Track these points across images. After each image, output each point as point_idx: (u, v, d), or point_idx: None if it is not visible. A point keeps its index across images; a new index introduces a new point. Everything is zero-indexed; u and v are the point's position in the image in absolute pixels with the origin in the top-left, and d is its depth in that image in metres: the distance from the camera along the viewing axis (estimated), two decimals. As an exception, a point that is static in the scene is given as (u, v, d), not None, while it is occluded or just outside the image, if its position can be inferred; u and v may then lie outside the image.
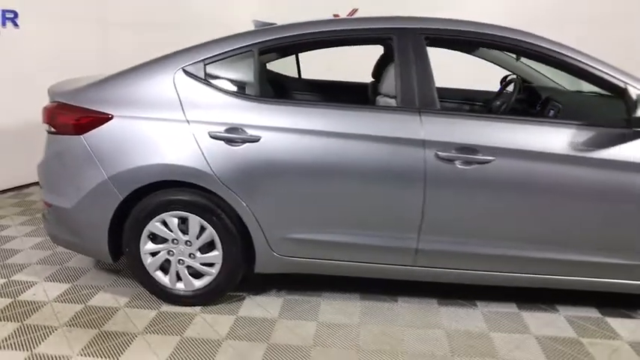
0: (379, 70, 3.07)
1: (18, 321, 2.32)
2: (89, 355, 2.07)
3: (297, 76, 3.63)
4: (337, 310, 2.46)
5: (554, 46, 2.24)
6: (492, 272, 2.31)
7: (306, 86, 3.51)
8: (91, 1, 4.74)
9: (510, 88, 3.14)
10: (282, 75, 3.51)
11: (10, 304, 2.46)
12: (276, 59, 3.44)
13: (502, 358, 2.10)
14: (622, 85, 2.15)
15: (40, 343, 2.15)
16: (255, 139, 2.22)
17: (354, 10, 6.20)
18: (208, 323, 2.33)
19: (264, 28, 2.38)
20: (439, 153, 2.15)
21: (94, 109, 2.31)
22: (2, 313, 2.37)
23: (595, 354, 2.14)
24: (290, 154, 2.21)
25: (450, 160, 2.14)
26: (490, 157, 2.13)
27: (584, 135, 2.14)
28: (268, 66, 3.34)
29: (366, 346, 2.17)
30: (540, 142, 2.14)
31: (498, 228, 2.23)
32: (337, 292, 2.61)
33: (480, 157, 2.13)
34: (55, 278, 2.73)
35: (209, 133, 2.23)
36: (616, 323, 2.39)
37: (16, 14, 4.18)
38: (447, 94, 3.53)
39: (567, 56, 2.21)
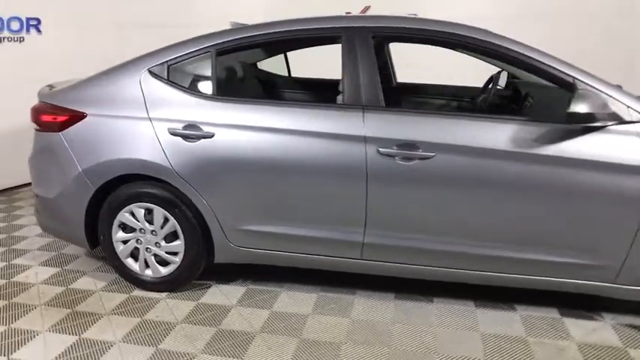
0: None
1: (6, 299, 2.60)
2: (56, 332, 2.31)
3: (293, 74, 3.77)
4: (294, 301, 2.57)
5: (505, 42, 2.24)
6: (437, 268, 2.34)
7: (294, 84, 3.63)
8: (108, 6, 5.08)
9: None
10: (272, 74, 3.65)
11: (4, 285, 2.75)
12: (265, 59, 3.60)
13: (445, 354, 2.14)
14: (570, 80, 2.12)
15: (18, 319, 2.42)
16: (210, 136, 2.38)
17: (367, 8, 6.28)
18: (169, 307, 2.52)
19: (221, 30, 2.53)
20: (380, 149, 2.21)
21: (70, 108, 2.56)
22: (-6, 291, 2.68)
23: (537, 353, 2.13)
24: (241, 150, 2.35)
25: (391, 156, 2.20)
26: (430, 153, 2.17)
27: (528, 131, 2.13)
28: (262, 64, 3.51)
29: (307, 335, 2.27)
30: (483, 139, 2.16)
31: (441, 224, 2.26)
32: (298, 284, 2.72)
33: (420, 153, 2.18)
34: (48, 263, 3.02)
35: (168, 130, 2.41)
36: (572, 324, 2.35)
37: (39, 21, 4.58)
38: (434, 90, 3.56)
39: (519, 52, 2.20)
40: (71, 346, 2.21)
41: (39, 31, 4.59)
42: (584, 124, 2.02)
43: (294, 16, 2.60)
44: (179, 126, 2.41)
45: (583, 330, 2.31)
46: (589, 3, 4.89)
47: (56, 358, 2.12)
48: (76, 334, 2.29)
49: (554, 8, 5.01)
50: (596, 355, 2.13)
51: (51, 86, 2.81)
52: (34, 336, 2.27)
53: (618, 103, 2.08)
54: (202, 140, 2.38)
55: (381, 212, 2.29)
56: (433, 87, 3.57)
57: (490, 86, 3.04)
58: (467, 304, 2.50)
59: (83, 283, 2.78)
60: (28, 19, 4.51)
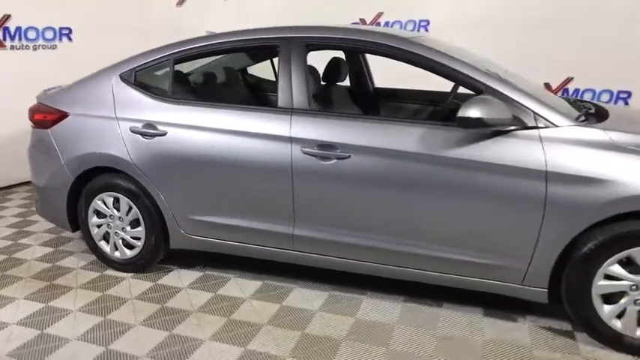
0: (328, 73, 3.37)
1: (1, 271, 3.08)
2: (31, 300, 2.73)
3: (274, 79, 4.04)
4: (240, 287, 2.84)
5: (422, 49, 2.39)
6: (360, 262, 2.52)
7: (247, 87, 3.83)
8: (133, 15, 5.62)
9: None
10: (261, 78, 3.95)
11: (3, 259, 3.24)
12: (255, 64, 3.90)
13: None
14: (481, 86, 2.24)
15: (2, 288, 2.86)
16: (163, 134, 2.71)
17: (379, 15, 6.48)
18: (130, 285, 2.88)
19: (179, 41, 2.86)
20: (303, 149, 2.44)
21: (57, 108, 3.00)
22: (-6, 264, 3.17)
23: (449, 348, 2.26)
24: (188, 147, 2.67)
25: (312, 156, 2.43)
26: (346, 154, 2.37)
27: (436, 134, 2.28)
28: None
29: (238, 316, 2.53)
30: (394, 141, 2.32)
31: (358, 220, 2.45)
32: (248, 272, 2.99)
33: (338, 153, 2.39)
34: (47, 244, 3.50)
35: (130, 128, 2.78)
36: (489, 323, 2.44)
37: (70, 30, 5.19)
38: (409, 95, 3.70)
39: (434, 60, 2.35)
40: (39, 310, 2.62)
41: (70, 39, 5.20)
42: (476, 129, 2.14)
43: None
44: (139, 125, 2.76)
45: (498, 329, 2.39)
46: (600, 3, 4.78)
47: (25, 318, 2.53)
48: (45, 302, 2.70)
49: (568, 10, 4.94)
50: (500, 351, 2.22)
51: (48, 90, 3.27)
52: (11, 302, 2.71)
53: (524, 109, 2.17)
54: (157, 138, 2.73)
55: (305, 207, 2.52)
56: (408, 92, 3.70)
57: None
58: (474, 312, 2.54)
59: (68, 261, 3.22)
60: (60, 29, 5.12)
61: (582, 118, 2.33)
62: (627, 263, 2.11)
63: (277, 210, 2.58)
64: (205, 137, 2.64)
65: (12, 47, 4.77)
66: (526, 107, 2.18)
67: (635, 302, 2.13)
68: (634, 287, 2.11)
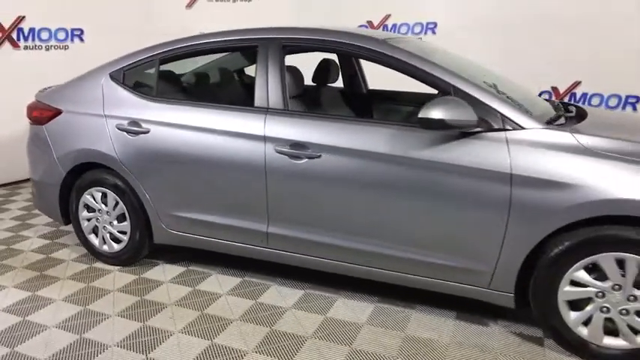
0: (318, 74, 3.42)
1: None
2: (20, 289, 2.86)
3: None
4: (220, 282, 2.91)
5: (392, 51, 2.41)
6: (331, 261, 2.55)
7: (229, 87, 3.88)
8: (143, 17, 5.79)
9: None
10: (210, 77, 3.96)
11: (2, 250, 3.40)
12: (250, 65, 3.97)
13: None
14: (448, 87, 2.25)
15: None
16: (146, 131, 2.80)
17: (387, 17, 6.49)
18: (114, 278, 2.98)
19: (165, 42, 2.94)
20: (277, 148, 2.49)
21: (52, 105, 3.13)
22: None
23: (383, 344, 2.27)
24: (169, 145, 2.75)
25: (285, 155, 2.47)
26: (317, 154, 2.41)
27: (404, 136, 2.29)
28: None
29: (212, 311, 2.59)
30: (363, 141, 2.35)
31: (329, 219, 2.48)
32: (231, 268, 3.05)
33: (309, 152, 2.42)
34: (45, 236, 3.64)
35: (116, 126, 2.88)
36: (459, 326, 2.44)
37: (82, 31, 5.38)
38: (401, 97, 3.70)
39: (404, 61, 2.36)
40: (25, 298, 2.74)
41: (82, 40, 5.39)
42: (438, 130, 2.14)
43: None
44: (125, 122, 2.86)
45: (467, 333, 2.38)
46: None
47: (11, 305, 2.66)
48: (32, 291, 2.82)
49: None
50: (464, 354, 2.22)
51: (46, 88, 3.41)
52: (1, 290, 2.84)
53: (491, 111, 2.17)
54: (140, 135, 2.82)
55: (279, 205, 2.56)
56: (402, 94, 3.70)
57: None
58: (447, 315, 2.53)
59: (61, 253, 3.35)
60: (72, 30, 5.32)
61: (556, 120, 2.30)
62: (593, 269, 2.07)
63: (252, 208, 2.63)
64: (185, 135, 2.71)
65: (26, 47, 4.98)
66: (493, 109, 2.18)
67: (601, 310, 2.09)
68: (600, 294, 2.08)
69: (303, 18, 6.24)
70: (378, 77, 3.78)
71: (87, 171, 3.05)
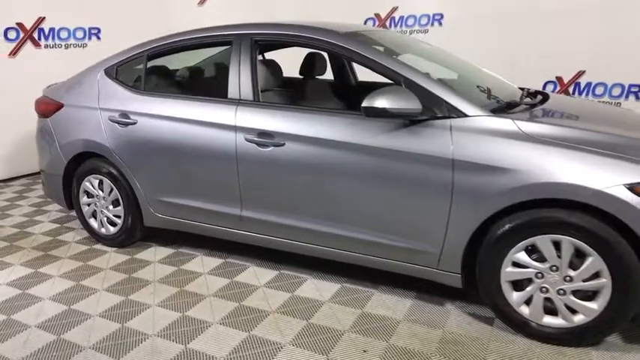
0: (304, 67, 3.60)
1: (8, 242, 3.58)
2: (25, 266, 3.18)
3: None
4: (203, 264, 3.14)
5: (350, 43, 2.55)
6: (296, 242, 2.73)
7: (285, 82, 4.11)
8: (157, 14, 6.10)
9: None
10: (194, 71, 4.16)
11: (15, 232, 3.75)
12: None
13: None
14: (398, 77, 2.39)
15: (5, 255, 3.35)
16: (134, 123, 3.06)
17: (394, 9, 6.60)
18: (109, 258, 3.27)
19: (153, 39, 3.18)
20: (246, 136, 2.69)
21: (55, 99, 3.44)
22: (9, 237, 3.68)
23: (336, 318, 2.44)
24: (154, 135, 3.00)
25: (253, 143, 2.67)
26: (282, 142, 2.59)
27: (358, 124, 2.44)
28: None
29: (190, 288, 2.83)
30: (323, 130, 2.51)
31: (292, 203, 2.66)
32: (216, 251, 3.28)
33: (274, 141, 2.61)
34: (56, 221, 3.99)
35: (109, 117, 3.15)
36: (416, 305, 2.58)
37: (99, 30, 5.74)
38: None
39: (358, 52, 2.51)
40: (28, 274, 3.06)
41: (99, 38, 5.75)
42: (381, 118, 2.29)
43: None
44: (116, 114, 3.13)
45: (421, 312, 2.52)
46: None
47: (14, 280, 2.98)
48: (34, 269, 3.14)
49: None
50: (412, 330, 2.36)
51: (53, 84, 3.72)
52: (8, 267, 3.17)
53: (437, 99, 2.29)
54: (129, 126, 3.08)
55: (249, 191, 2.77)
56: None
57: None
58: (407, 295, 2.66)
59: (67, 236, 3.67)
60: (90, 29, 5.68)
61: (511, 108, 2.41)
62: (533, 251, 2.17)
63: (227, 193, 2.85)
64: (167, 126, 2.95)
65: (46, 46, 5.36)
66: (439, 98, 2.30)
67: (540, 290, 2.20)
68: (539, 275, 2.18)
69: (311, 12, 6.39)
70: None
71: (86, 160, 3.34)
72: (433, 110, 2.29)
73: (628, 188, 1.95)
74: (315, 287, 2.81)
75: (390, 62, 2.43)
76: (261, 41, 2.82)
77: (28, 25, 5.21)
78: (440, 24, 5.92)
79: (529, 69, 5.21)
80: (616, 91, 4.82)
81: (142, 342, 2.34)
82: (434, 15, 5.94)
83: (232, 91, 2.80)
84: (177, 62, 3.63)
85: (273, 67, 3.00)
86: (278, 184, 2.67)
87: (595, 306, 2.11)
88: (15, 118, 5.02)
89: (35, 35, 5.27)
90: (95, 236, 3.50)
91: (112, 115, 3.14)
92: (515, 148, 2.14)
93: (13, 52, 5.14)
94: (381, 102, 2.22)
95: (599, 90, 4.93)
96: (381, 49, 3.01)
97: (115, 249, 3.41)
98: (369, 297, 2.69)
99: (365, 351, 2.23)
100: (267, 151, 2.64)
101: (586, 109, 2.76)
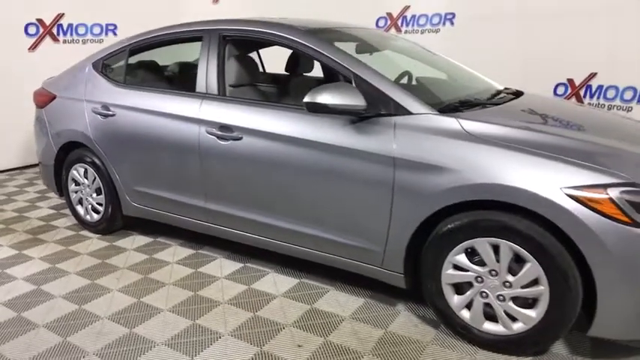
0: (289, 64, 3.64)
1: (5, 225, 3.79)
2: (12, 248, 3.37)
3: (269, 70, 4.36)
4: (174, 253, 3.23)
5: (310, 41, 2.56)
6: (254, 236, 2.77)
7: (266, 78, 4.18)
8: (171, 12, 6.26)
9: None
10: (175, 66, 4.22)
11: (14, 217, 3.97)
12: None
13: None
14: (350, 74, 2.38)
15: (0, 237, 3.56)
16: (113, 115, 3.18)
17: (406, 8, 6.55)
18: (89, 244, 3.41)
19: (134, 35, 3.29)
20: (208, 129, 2.74)
21: (50, 91, 3.61)
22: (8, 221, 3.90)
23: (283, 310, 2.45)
24: (129, 126, 3.11)
25: (214, 136, 2.72)
26: (240, 135, 2.63)
27: (309, 119, 2.44)
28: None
29: (155, 276, 2.92)
30: (275, 125, 2.53)
31: (251, 197, 2.69)
32: (193, 242, 3.36)
33: (233, 134, 2.66)
34: (54, 208, 4.19)
35: (92, 109, 3.29)
36: (366, 304, 2.56)
37: (115, 26, 5.97)
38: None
39: (314, 49, 2.51)
40: (12, 255, 3.24)
41: (115, 34, 5.98)
42: (322, 114, 2.28)
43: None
44: (98, 106, 3.26)
45: (369, 311, 2.50)
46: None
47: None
48: (19, 250, 3.32)
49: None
50: (353, 328, 2.35)
51: (52, 77, 3.91)
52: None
53: (385, 97, 2.27)
54: (108, 118, 3.20)
55: (211, 183, 2.82)
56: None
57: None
58: (362, 294, 2.79)
59: (59, 222, 3.85)
60: (107, 25, 5.92)
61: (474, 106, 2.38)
62: (474, 254, 2.12)
63: (193, 185, 2.91)
64: (141, 118, 3.05)
65: (64, 41, 5.63)
66: (386, 95, 2.28)
67: (481, 295, 2.14)
68: (479, 279, 2.12)
69: (323, 11, 6.40)
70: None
71: (73, 149, 3.50)
72: (380, 107, 2.27)
73: (565, 192, 1.87)
74: (274, 281, 2.83)
75: (342, 59, 2.42)
76: (229, 37, 2.86)
77: (48, 21, 5.48)
78: (452, 23, 5.82)
79: (540, 70, 5.04)
80: (628, 95, 4.59)
81: (93, 322, 2.44)
82: (446, 14, 5.85)
83: (200, 85, 2.86)
84: (171, 57, 3.74)
85: (246, 63, 3.04)
86: (235, 177, 2.72)
87: (534, 314, 2.04)
88: (32, 108, 5.28)
89: (54, 31, 5.54)
90: (81, 223, 3.65)
91: (95, 107, 3.27)
92: (455, 147, 2.10)
93: (33, 47, 5.43)
94: (322, 98, 2.22)
95: (611, 93, 4.71)
96: (353, 45, 3.03)
97: (98, 236, 3.55)
98: (323, 294, 2.69)
99: (300, 345, 2.24)
100: (227, 144, 2.68)
101: (558, 111, 2.66)
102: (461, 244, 2.11)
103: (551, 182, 1.90)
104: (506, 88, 3.06)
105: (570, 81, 4.96)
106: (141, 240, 3.46)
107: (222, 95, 2.80)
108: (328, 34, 2.73)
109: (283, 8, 6.56)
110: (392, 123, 2.24)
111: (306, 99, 2.25)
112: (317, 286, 2.76)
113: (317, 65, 3.58)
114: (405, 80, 3.15)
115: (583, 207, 1.85)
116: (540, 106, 2.68)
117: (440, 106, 2.28)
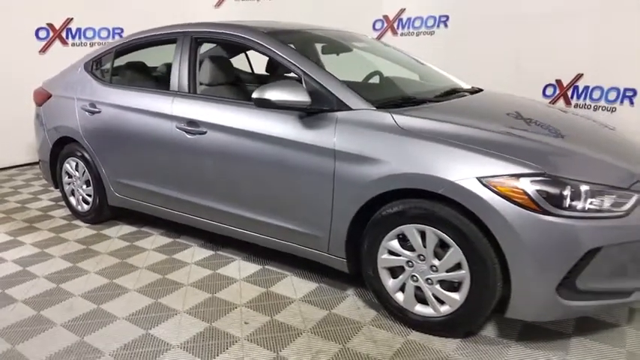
0: (269, 64, 3.86)
1: (7, 215, 4.11)
2: (8, 234, 3.67)
3: (260, 71, 4.59)
4: (153, 242, 3.47)
5: (266, 41, 2.77)
6: (216, 223, 2.99)
7: (248, 79, 4.43)
8: (176, 16, 6.55)
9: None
10: (240, 70, 4.53)
11: (16, 207, 4.30)
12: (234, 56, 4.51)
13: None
14: (300, 72, 2.57)
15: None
16: (99, 111, 3.46)
17: (402, 10, 6.71)
18: (78, 232, 3.69)
19: (120, 38, 3.56)
20: (178, 125, 2.98)
21: (47, 90, 3.92)
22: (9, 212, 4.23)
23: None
24: (112, 122, 3.37)
25: (183, 131, 2.95)
26: (204, 130, 2.86)
27: (262, 114, 2.63)
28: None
29: (131, 261, 3.17)
30: (232, 120, 2.75)
31: (212, 187, 2.91)
32: (173, 232, 3.60)
33: (199, 129, 2.88)
34: (54, 199, 4.50)
35: (81, 106, 3.57)
36: (319, 289, 2.74)
37: (122, 30, 6.30)
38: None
39: (272, 50, 2.72)
40: (7, 241, 3.54)
41: (121, 37, 6.30)
42: (267, 108, 2.48)
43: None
44: (87, 104, 3.54)
45: (321, 295, 2.68)
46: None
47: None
48: (14, 237, 3.62)
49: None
50: (300, 309, 2.53)
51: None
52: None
53: (329, 93, 2.46)
54: (95, 114, 3.48)
55: (182, 175, 3.05)
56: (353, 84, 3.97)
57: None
58: (317, 280, 2.93)
59: (57, 212, 4.15)
60: (114, 29, 6.26)
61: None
62: (405, 240, 2.28)
63: (167, 177, 3.15)
64: (122, 114, 3.31)
65: (73, 44, 5.99)
66: (330, 92, 2.46)
67: (412, 278, 2.30)
68: (410, 263, 2.28)
69: (320, 16, 6.61)
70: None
71: (66, 144, 3.79)
72: (324, 103, 2.45)
73: (480, 182, 2.02)
74: (239, 268, 3.04)
75: (293, 58, 2.62)
76: (200, 39, 3.09)
77: (57, 25, 5.85)
78: (446, 26, 5.95)
79: (532, 71, 5.13)
80: (612, 96, 4.65)
81: (64, 300, 2.69)
82: (440, 17, 5.99)
83: (173, 84, 3.10)
84: (162, 58, 4.00)
85: (220, 63, 3.26)
86: (200, 169, 2.94)
87: (457, 297, 2.19)
88: (40, 108, 5.67)
89: (63, 34, 5.91)
90: (74, 213, 3.94)
91: (84, 105, 3.55)
92: (387, 140, 2.27)
93: (43, 50, 5.80)
94: (269, 94, 2.41)
95: (596, 94, 4.77)
96: (319, 47, 3.24)
97: (88, 225, 3.83)
98: (281, 279, 2.88)
99: (246, 322, 2.44)
100: (193, 138, 2.91)
101: (500, 107, 2.80)
102: (393, 231, 2.28)
103: (468, 172, 2.05)
104: (473, 87, 3.21)
105: (559, 82, 5.03)
106: (126, 229, 3.72)
107: (192, 93, 3.03)
108: (291, 36, 2.92)
109: (286, 12, 6.82)
110: (334, 118, 2.42)
111: (254, 95, 2.45)
112: (278, 272, 2.95)
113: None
114: (376, 79, 3.35)
115: (496, 195, 2.00)
116: (483, 103, 2.82)
117: (379, 103, 2.45)
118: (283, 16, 6.72)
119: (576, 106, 4.93)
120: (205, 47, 3.51)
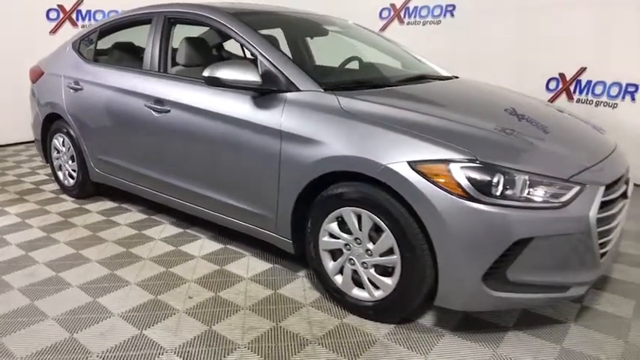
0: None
1: (5, 192, 4.32)
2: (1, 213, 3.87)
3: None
4: (128, 217, 3.59)
5: (233, 24, 2.80)
6: (180, 201, 3.07)
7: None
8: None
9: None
10: (231, 53, 4.60)
11: (14, 180, 4.50)
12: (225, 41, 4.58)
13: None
14: (256, 52, 2.61)
15: (-7, 195, 4.08)
16: (81, 88, 3.58)
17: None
18: (64, 206, 3.84)
19: (103, 18, 3.66)
20: (146, 103, 3.06)
21: (40, 68, 4.09)
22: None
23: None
24: (92, 99, 3.49)
25: (150, 109, 3.03)
26: (168, 108, 2.93)
27: (220, 94, 2.68)
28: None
29: (103, 235, 3.29)
30: (191, 98, 2.81)
31: (175, 164, 2.99)
32: (148, 210, 3.71)
33: (164, 107, 2.96)
34: (50, 174, 4.68)
35: (67, 84, 3.71)
36: (273, 270, 2.79)
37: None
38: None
39: (236, 33, 2.75)
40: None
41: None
42: (217, 87, 2.52)
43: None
44: (71, 81, 3.67)
45: (273, 276, 2.73)
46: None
47: (-23, 213, 3.66)
48: (2, 207, 3.80)
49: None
50: (248, 287, 2.58)
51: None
52: (-14, 203, 3.88)
53: (281, 74, 2.48)
54: (78, 92, 3.60)
55: (148, 151, 3.14)
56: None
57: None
58: (273, 261, 3.08)
59: (49, 187, 4.34)
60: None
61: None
62: (344, 223, 2.29)
63: (137, 153, 3.25)
64: (101, 91, 3.42)
65: (82, 26, 6.18)
66: (282, 72, 2.48)
67: (349, 261, 2.31)
68: (347, 247, 2.30)
69: (328, 3, 6.60)
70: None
71: (55, 121, 3.94)
72: (275, 84, 2.48)
73: (410, 166, 2.01)
74: (201, 246, 3.11)
75: (250, 38, 2.66)
76: (172, 19, 3.16)
77: (68, 7, 6.05)
78: (452, 15, 5.86)
79: (536, 63, 5.01)
80: (614, 91, 4.49)
81: (28, 267, 2.83)
82: (447, 6, 5.89)
83: (145, 63, 3.18)
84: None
85: (196, 45, 3.31)
86: (164, 146, 3.02)
87: (390, 282, 2.19)
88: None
89: (74, 16, 6.10)
90: (62, 187, 4.10)
91: (69, 82, 3.69)
92: (329, 122, 2.28)
93: (54, 31, 6.01)
94: (220, 72, 2.45)
95: (599, 89, 4.61)
96: (293, 29, 3.25)
97: (73, 199, 3.98)
98: (239, 258, 2.94)
99: (190, 297, 2.51)
100: (159, 116, 2.99)
101: (457, 93, 2.77)
102: (333, 213, 2.30)
103: (400, 156, 2.04)
104: (452, 75, 3.19)
105: (562, 75, 4.89)
106: (108, 205, 3.86)
107: (162, 72, 3.10)
108: (250, 17, 2.94)
109: (289, 3, 6.82)
110: (284, 98, 2.45)
111: (205, 73, 2.50)
112: (237, 252, 3.01)
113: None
114: (355, 63, 3.35)
115: (425, 180, 1.98)
116: (445, 90, 2.79)
117: (329, 85, 2.45)
118: (287, 1, 6.75)
119: (578, 101, 4.78)
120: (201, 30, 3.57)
